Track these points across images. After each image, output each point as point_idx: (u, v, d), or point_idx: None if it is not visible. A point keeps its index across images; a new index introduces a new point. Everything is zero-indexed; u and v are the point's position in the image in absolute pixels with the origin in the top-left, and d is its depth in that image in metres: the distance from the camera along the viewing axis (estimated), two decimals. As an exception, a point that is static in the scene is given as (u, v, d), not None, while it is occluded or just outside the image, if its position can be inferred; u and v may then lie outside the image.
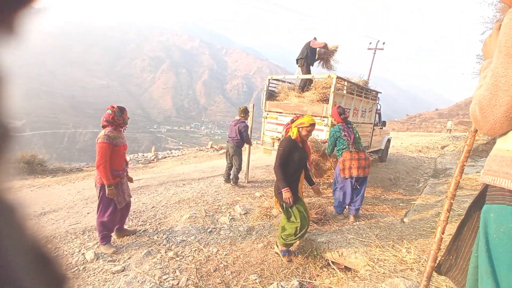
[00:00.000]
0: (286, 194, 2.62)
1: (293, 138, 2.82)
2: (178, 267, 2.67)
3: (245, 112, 5.15)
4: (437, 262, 1.18)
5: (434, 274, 1.34)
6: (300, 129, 2.82)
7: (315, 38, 6.21)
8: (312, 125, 2.81)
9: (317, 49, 6.23)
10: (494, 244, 0.88)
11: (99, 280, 2.41)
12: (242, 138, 5.05)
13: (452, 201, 1.35)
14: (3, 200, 0.24)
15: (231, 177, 5.21)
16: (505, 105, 0.81)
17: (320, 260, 2.85)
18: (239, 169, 5.18)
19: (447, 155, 10.27)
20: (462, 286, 1.09)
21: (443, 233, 1.33)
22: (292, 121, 4.59)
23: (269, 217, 3.89)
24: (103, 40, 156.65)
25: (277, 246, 2.94)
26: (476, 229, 1.03)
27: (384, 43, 17.40)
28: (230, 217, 3.85)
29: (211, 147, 10.40)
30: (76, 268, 2.56)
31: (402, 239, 3.22)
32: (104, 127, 2.78)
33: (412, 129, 40.19)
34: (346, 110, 4.15)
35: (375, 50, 17.32)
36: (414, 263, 2.70)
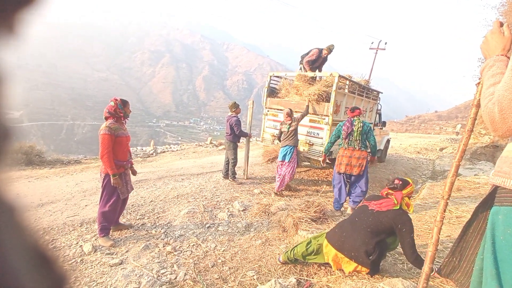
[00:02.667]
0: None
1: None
2: (176, 262, 2.66)
3: (235, 106, 5.16)
4: (441, 264, 1.18)
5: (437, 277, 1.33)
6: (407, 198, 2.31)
7: (319, 50, 6.18)
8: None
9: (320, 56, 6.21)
10: (501, 246, 0.88)
11: (96, 272, 2.41)
12: (233, 132, 5.04)
13: (447, 201, 1.34)
14: (2, 200, 0.24)
15: (229, 173, 5.20)
16: None
17: (318, 258, 2.85)
18: (234, 163, 5.18)
19: (446, 157, 10.30)
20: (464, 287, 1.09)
21: (439, 234, 1.33)
22: (288, 114, 4.57)
23: (268, 214, 3.89)
24: (103, 33, 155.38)
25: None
26: (483, 231, 1.02)
27: (386, 43, 17.36)
28: (229, 213, 3.84)
29: (211, 142, 10.38)
30: (74, 260, 2.55)
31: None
32: (106, 118, 2.81)
33: (411, 130, 40.27)
34: (360, 108, 4.16)
35: (377, 50, 17.28)
36: (411, 267, 2.71)
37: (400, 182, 2.31)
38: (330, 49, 6.15)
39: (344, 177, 4.07)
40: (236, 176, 5.25)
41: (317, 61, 6.16)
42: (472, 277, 1.02)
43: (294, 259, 2.61)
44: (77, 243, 2.83)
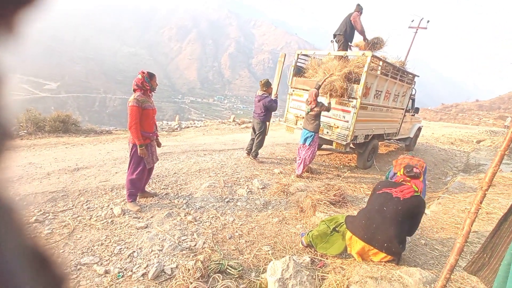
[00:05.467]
0: None
1: None
2: (196, 231, 2.81)
3: (267, 85, 4.94)
4: (470, 260, 1.12)
5: (457, 271, 1.27)
6: None
7: (358, 12, 5.69)
8: None
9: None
10: None
11: (125, 233, 2.62)
12: (266, 112, 4.96)
13: (486, 192, 1.23)
14: (2, 200, 0.24)
15: (252, 152, 5.23)
16: None
17: (334, 241, 2.86)
18: (260, 144, 5.17)
19: (483, 151, 9.53)
20: (492, 285, 1.04)
21: (471, 226, 1.25)
22: (316, 95, 4.37)
23: (286, 193, 3.92)
24: (133, 7, 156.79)
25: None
26: None
27: (428, 22, 15.76)
28: (248, 190, 3.92)
29: (233, 120, 10.45)
30: (105, 220, 2.78)
31: (422, 231, 3.14)
32: (134, 91, 2.90)
33: (446, 119, 37.47)
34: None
35: (417, 29, 15.78)
36: (432, 257, 2.64)
37: (418, 171, 2.34)
38: (360, 10, 5.65)
39: None
40: (258, 155, 5.27)
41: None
42: (499, 272, 0.97)
43: (317, 241, 2.58)
44: (108, 205, 3.07)
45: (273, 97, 5.12)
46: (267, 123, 5.20)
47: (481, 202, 1.15)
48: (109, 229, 2.65)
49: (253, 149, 5.19)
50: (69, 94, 71.42)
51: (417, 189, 2.23)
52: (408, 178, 2.35)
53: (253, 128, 5.21)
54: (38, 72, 68.30)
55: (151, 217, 2.94)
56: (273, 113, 5.29)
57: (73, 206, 2.97)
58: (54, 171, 3.78)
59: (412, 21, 16.02)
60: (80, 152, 4.86)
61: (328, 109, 4.68)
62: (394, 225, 2.14)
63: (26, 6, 0.23)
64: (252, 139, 5.24)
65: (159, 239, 2.56)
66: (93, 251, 2.32)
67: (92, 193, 3.30)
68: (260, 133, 5.08)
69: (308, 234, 2.67)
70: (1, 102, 0.22)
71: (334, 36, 5.90)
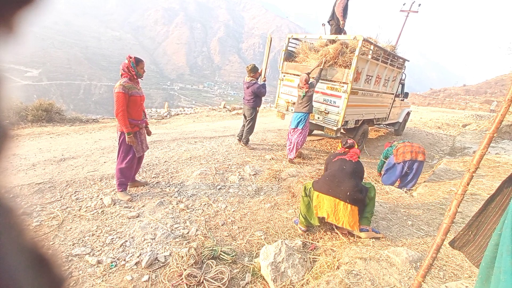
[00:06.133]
0: None
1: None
2: (189, 218, 2.82)
3: (254, 70, 4.84)
4: (454, 236, 1.16)
5: (442, 249, 1.32)
6: None
7: None
8: None
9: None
10: None
11: (116, 223, 2.59)
12: (255, 98, 4.90)
13: (473, 174, 1.26)
14: (1, 201, 0.24)
15: (242, 138, 5.21)
16: None
17: (325, 225, 2.93)
18: (251, 130, 5.15)
19: (468, 134, 9.82)
20: (476, 262, 1.08)
21: (458, 207, 1.29)
22: (306, 80, 4.42)
23: (278, 179, 3.95)
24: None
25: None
26: (505, 207, 0.98)
27: (419, 5, 15.66)
28: (240, 176, 3.93)
29: (224, 107, 10.32)
30: (95, 211, 2.74)
31: (409, 213, 3.24)
32: (122, 75, 2.81)
33: (434, 104, 38.20)
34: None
35: (408, 13, 15.68)
36: (418, 237, 2.74)
37: (352, 142, 2.95)
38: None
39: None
40: (249, 142, 5.26)
41: (347, 9, 5.61)
42: (486, 251, 1.00)
43: (307, 221, 2.69)
44: (97, 196, 3.02)
45: (261, 81, 5.05)
46: (258, 108, 5.15)
47: (468, 184, 1.18)
48: (99, 219, 2.62)
49: (244, 135, 5.17)
50: (51, 81, 68.51)
51: (358, 155, 2.84)
52: (347, 149, 2.90)
53: (244, 115, 5.16)
54: (18, 58, 64.79)
55: (143, 206, 2.92)
56: (263, 98, 5.23)
57: (61, 197, 2.91)
58: (39, 162, 3.67)
59: (403, 4, 15.88)
60: (66, 142, 4.72)
61: (318, 78, 4.81)
62: (353, 178, 2.54)
63: (26, 6, 0.23)
64: (244, 126, 5.21)
65: (152, 227, 2.56)
66: (84, 242, 2.30)
67: (81, 183, 3.23)
68: (251, 119, 5.04)
69: (299, 218, 2.74)
70: (1, 102, 0.22)
71: (328, 21, 5.78)
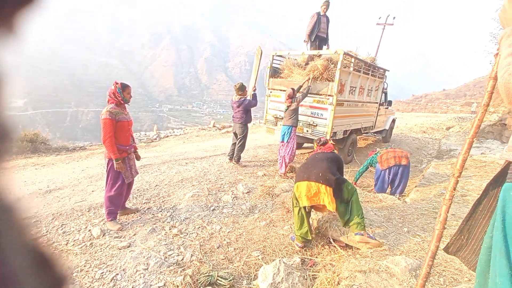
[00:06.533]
0: None
1: None
2: (183, 244, 2.73)
3: (242, 88, 4.91)
4: (448, 242, 1.16)
5: (439, 254, 1.32)
6: None
7: (317, 12, 5.92)
8: None
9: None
10: (511, 223, 0.85)
11: (106, 255, 2.48)
12: (245, 115, 4.94)
13: (458, 179, 1.29)
14: (2, 200, 0.24)
15: (234, 156, 5.19)
16: None
17: (322, 239, 2.90)
18: (242, 148, 5.15)
19: (452, 136, 10.13)
20: (472, 266, 1.08)
21: (447, 212, 1.30)
22: (289, 96, 4.55)
23: (272, 195, 3.92)
24: (102, 15, 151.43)
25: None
26: (493, 209, 0.99)
27: (394, 18, 16.57)
28: (233, 195, 3.88)
29: (214, 126, 10.34)
30: (83, 244, 2.62)
31: (404, 219, 3.25)
32: (108, 101, 2.80)
33: (417, 109, 39.50)
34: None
35: (384, 26, 16.53)
36: (415, 243, 2.74)
37: (325, 139, 3.16)
38: (326, 4, 5.87)
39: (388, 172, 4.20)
40: (240, 159, 5.24)
41: (319, 26, 5.90)
42: (480, 255, 1.01)
43: (305, 235, 2.66)
44: (86, 227, 2.90)
45: (251, 91, 5.13)
46: (248, 125, 5.20)
47: (454, 189, 1.20)
48: (88, 253, 2.50)
49: (235, 154, 5.16)
50: (37, 110, 67.42)
51: (332, 148, 3.05)
52: (322, 146, 3.06)
53: (235, 133, 5.18)
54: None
55: (134, 235, 2.82)
56: (253, 115, 5.30)
57: (47, 232, 2.78)
58: (24, 195, 3.53)
59: (379, 18, 16.76)
60: (52, 172, 4.58)
61: (306, 93, 4.87)
62: (325, 162, 2.66)
63: (26, 6, 0.23)
64: (234, 144, 5.21)
65: (144, 257, 2.45)
66: (71, 280, 2.17)
67: (67, 215, 3.10)
68: (242, 137, 5.06)
69: (296, 234, 2.69)
70: (1, 102, 0.22)
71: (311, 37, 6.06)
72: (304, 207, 2.62)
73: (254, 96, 5.06)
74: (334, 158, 2.82)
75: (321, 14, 5.89)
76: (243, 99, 4.91)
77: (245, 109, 4.90)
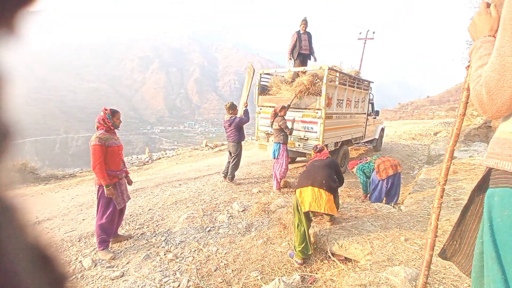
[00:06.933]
0: None
1: None
2: (178, 269, 2.64)
3: (232, 107, 4.99)
4: (442, 247, 1.17)
5: (438, 261, 1.32)
6: None
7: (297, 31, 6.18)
8: None
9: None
10: (499, 228, 0.86)
11: (98, 287, 2.37)
12: (238, 133, 4.96)
13: (444, 187, 1.32)
14: (2, 199, 0.24)
15: (228, 174, 5.16)
16: None
17: (321, 253, 2.86)
18: (236, 166, 5.13)
19: (440, 141, 10.39)
20: (467, 271, 1.08)
21: (438, 220, 1.32)
22: (275, 112, 4.68)
23: (267, 212, 3.88)
24: (90, 42, 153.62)
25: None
26: (480, 214, 1.01)
27: (374, 33, 17.39)
28: (228, 214, 3.82)
29: (206, 145, 10.33)
30: (74, 276, 2.51)
31: (400, 227, 3.25)
32: (97, 128, 2.79)
33: (404, 117, 40.57)
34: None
35: (365, 40, 17.31)
36: (414, 252, 2.73)
37: (321, 146, 3.39)
38: (305, 21, 6.11)
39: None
40: (234, 177, 5.21)
41: (300, 44, 6.12)
42: (474, 261, 1.01)
43: (304, 249, 2.66)
44: (76, 258, 2.78)
45: (242, 107, 5.20)
46: (242, 142, 5.23)
47: (441, 197, 1.23)
48: (79, 286, 2.39)
49: (230, 172, 5.13)
50: (25, 139, 66.08)
51: (328, 154, 3.25)
52: (318, 153, 3.27)
53: (230, 152, 5.19)
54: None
55: (127, 263, 2.72)
56: (245, 132, 5.34)
57: (34, 266, 2.65)
58: (9, 229, 3.38)
59: (360, 33, 17.56)
60: (40, 202, 4.44)
61: (287, 107, 4.96)
62: (326, 169, 2.87)
63: (27, 6, 0.23)
64: (229, 162, 5.20)
65: (138, 286, 2.36)
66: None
67: (57, 247, 2.98)
68: (236, 155, 5.06)
69: (295, 249, 2.66)
70: (2, 102, 0.22)
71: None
72: (306, 214, 2.70)
73: (246, 112, 5.13)
74: (332, 164, 3.04)
75: (301, 32, 6.13)
76: (234, 117, 4.97)
77: (237, 127, 4.94)
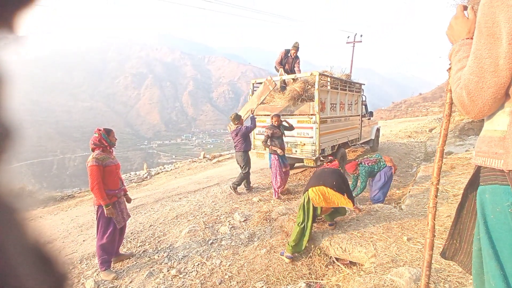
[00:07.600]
0: None
1: None
2: (183, 284, 2.61)
3: (237, 118, 5.09)
4: (442, 248, 1.18)
5: (442, 259, 1.33)
6: None
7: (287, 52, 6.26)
8: None
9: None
10: (493, 225, 0.88)
11: (101, 309, 2.33)
12: (244, 141, 4.98)
13: (437, 187, 1.34)
14: (3, 200, 0.24)
15: (234, 182, 5.10)
16: (493, 87, 0.81)
17: (325, 258, 2.85)
18: (245, 176, 5.09)
19: (436, 137, 10.49)
20: (469, 270, 1.09)
21: (434, 219, 1.33)
22: (271, 123, 4.72)
23: (269, 220, 3.86)
24: (83, 62, 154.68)
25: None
26: (476, 211, 1.03)
27: (361, 36, 17.75)
28: (230, 226, 3.80)
29: (204, 157, 10.32)
30: (77, 300, 2.47)
31: (402, 227, 3.25)
32: (93, 150, 2.78)
33: (399, 115, 40.98)
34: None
35: (354, 44, 17.64)
36: (417, 251, 2.73)
37: (332, 157, 3.82)
38: (296, 47, 6.21)
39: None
40: (238, 187, 5.16)
41: (286, 61, 6.22)
42: (473, 258, 1.02)
43: (297, 246, 2.83)
44: (78, 281, 2.74)
45: (249, 114, 5.30)
46: (249, 151, 5.21)
47: (436, 196, 1.25)
48: (82, 309, 2.35)
49: (238, 180, 5.07)
50: (21, 162, 65.44)
51: (337, 165, 3.54)
52: (329, 163, 3.59)
53: (237, 162, 5.20)
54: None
55: (130, 282, 2.68)
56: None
57: (36, 292, 2.60)
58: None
59: (348, 37, 17.92)
60: (39, 226, 4.37)
61: (264, 144, 4.86)
62: (335, 175, 3.02)
63: (26, 6, 0.23)
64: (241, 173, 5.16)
65: (142, 305, 2.32)
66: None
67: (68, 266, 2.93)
68: (245, 165, 5.04)
69: (288, 244, 2.85)
70: (2, 102, 0.22)
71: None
72: (314, 210, 2.87)
73: (253, 119, 5.17)
74: (342, 174, 3.17)
75: (289, 55, 6.17)
76: (239, 127, 5.02)
77: (244, 136, 4.98)
